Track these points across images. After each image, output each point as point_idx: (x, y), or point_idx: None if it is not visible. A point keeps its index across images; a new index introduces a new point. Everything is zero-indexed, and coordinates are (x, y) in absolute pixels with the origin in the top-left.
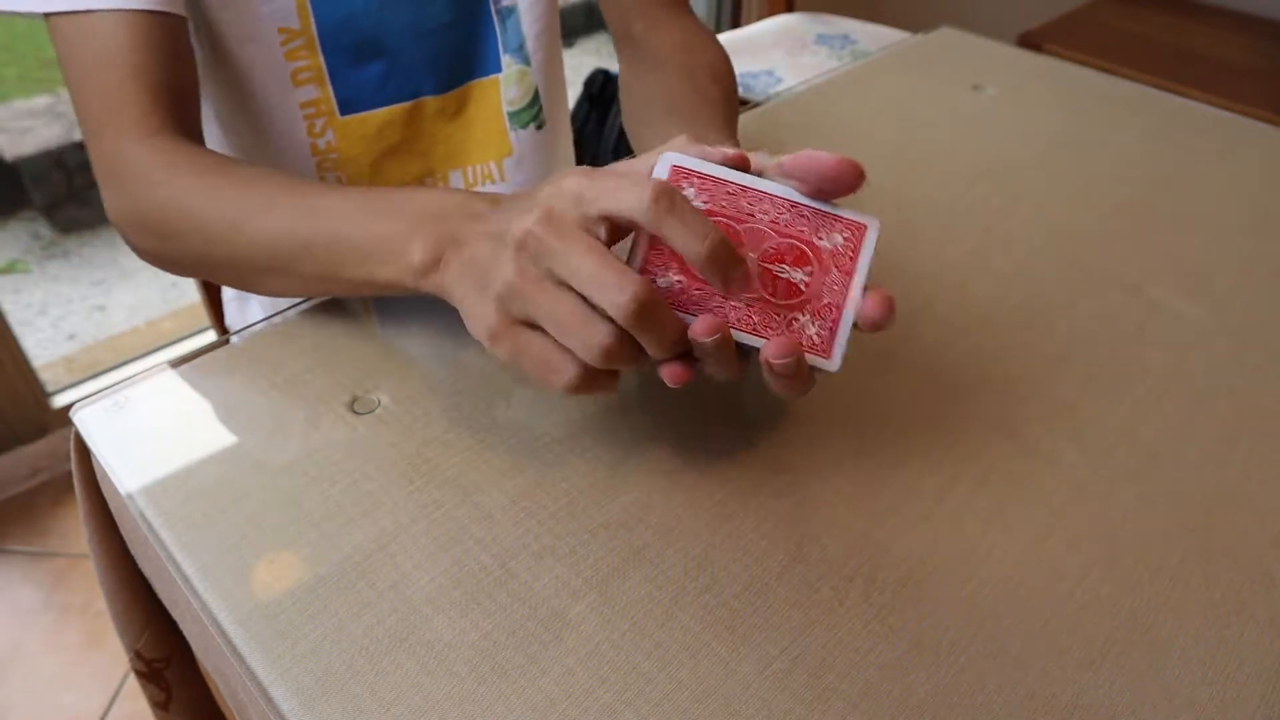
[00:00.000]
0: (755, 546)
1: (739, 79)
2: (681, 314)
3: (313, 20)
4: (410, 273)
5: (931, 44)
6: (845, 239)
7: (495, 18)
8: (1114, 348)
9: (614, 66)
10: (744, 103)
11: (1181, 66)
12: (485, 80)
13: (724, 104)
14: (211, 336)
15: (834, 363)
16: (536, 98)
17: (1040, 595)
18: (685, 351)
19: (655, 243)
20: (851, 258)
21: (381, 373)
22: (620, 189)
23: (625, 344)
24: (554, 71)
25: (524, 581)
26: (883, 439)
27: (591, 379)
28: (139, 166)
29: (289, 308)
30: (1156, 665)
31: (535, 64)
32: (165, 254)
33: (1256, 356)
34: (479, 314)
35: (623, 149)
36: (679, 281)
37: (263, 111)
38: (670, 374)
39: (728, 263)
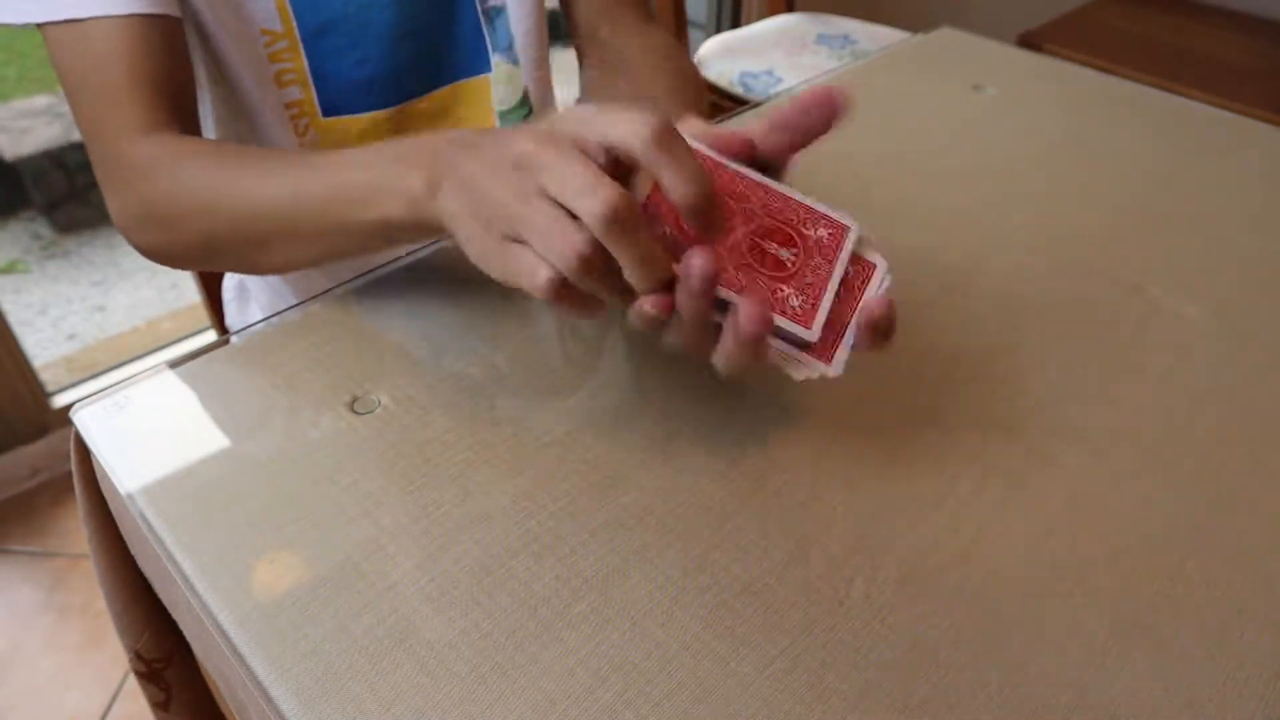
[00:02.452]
0: (755, 546)
1: (739, 79)
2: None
3: (294, 23)
4: (410, 201)
5: (931, 44)
6: (829, 234)
7: (482, 18)
8: (1114, 348)
9: None
10: (744, 103)
11: (1181, 66)
12: (474, 80)
13: (695, 95)
14: (211, 336)
15: (813, 333)
16: (526, 98)
17: (1040, 595)
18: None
19: (655, 194)
20: (834, 249)
21: (381, 373)
22: (623, 118)
23: (599, 254)
24: (543, 71)
25: (524, 581)
26: (883, 439)
27: (571, 291)
28: (140, 161)
29: (289, 308)
30: (1156, 665)
31: (524, 63)
32: (173, 246)
33: (1256, 356)
34: (471, 234)
35: None
36: (671, 232)
37: (251, 111)
38: (650, 303)
39: (712, 208)
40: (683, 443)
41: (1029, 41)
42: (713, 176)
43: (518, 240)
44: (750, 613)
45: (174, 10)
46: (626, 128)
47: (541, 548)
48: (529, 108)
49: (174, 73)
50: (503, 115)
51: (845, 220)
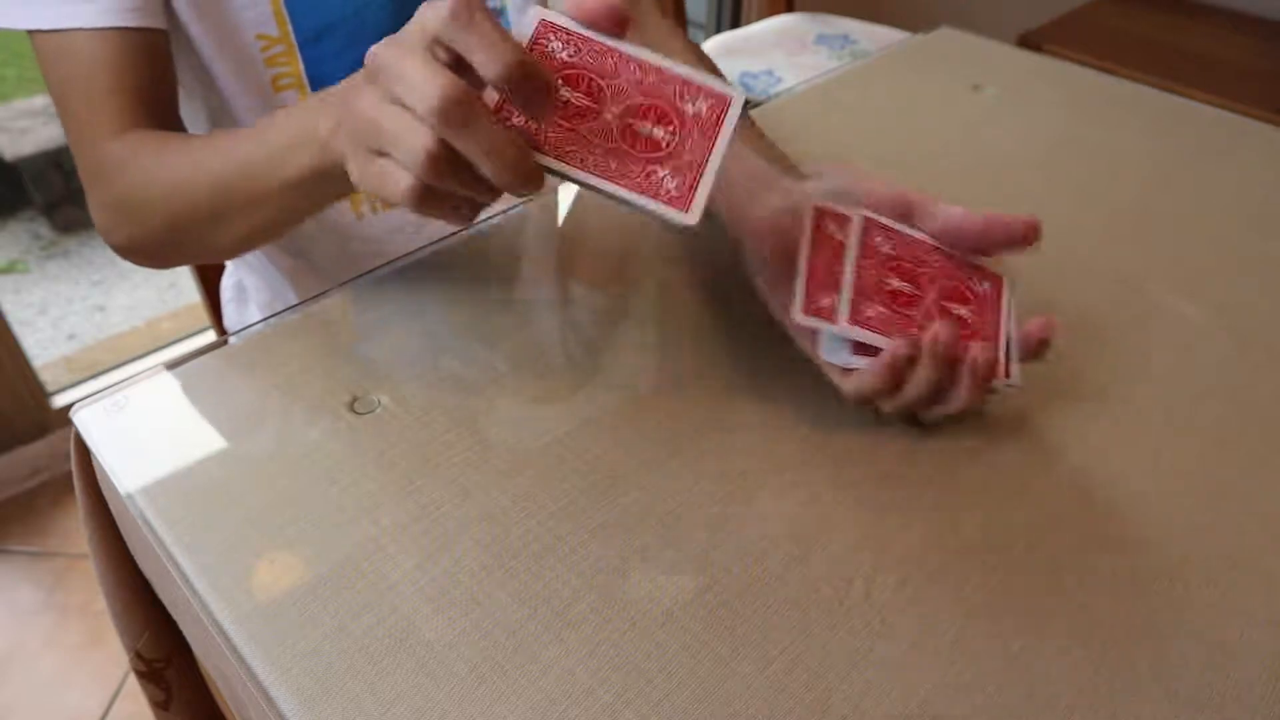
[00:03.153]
0: (755, 546)
1: (739, 78)
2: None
3: (290, 27)
4: (319, 144)
5: (931, 44)
6: (709, 106)
7: None
8: (1114, 347)
9: None
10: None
11: (1181, 66)
12: None
13: None
14: (211, 337)
15: (691, 215)
16: None
17: (1040, 595)
18: None
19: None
20: (715, 124)
21: (381, 373)
22: (432, 4)
23: (446, 150)
24: None
25: (524, 581)
26: (882, 439)
27: (436, 196)
28: (114, 159)
29: (288, 309)
30: (1157, 665)
31: None
32: (144, 238)
33: (1256, 356)
34: (351, 157)
35: None
36: (525, 122)
37: (245, 119)
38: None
39: (530, 81)
40: (683, 443)
41: (1029, 41)
42: (581, 59)
43: (379, 152)
44: (750, 613)
45: (158, 23)
46: (431, 11)
47: (541, 548)
48: None
49: (156, 82)
50: None
51: (728, 91)
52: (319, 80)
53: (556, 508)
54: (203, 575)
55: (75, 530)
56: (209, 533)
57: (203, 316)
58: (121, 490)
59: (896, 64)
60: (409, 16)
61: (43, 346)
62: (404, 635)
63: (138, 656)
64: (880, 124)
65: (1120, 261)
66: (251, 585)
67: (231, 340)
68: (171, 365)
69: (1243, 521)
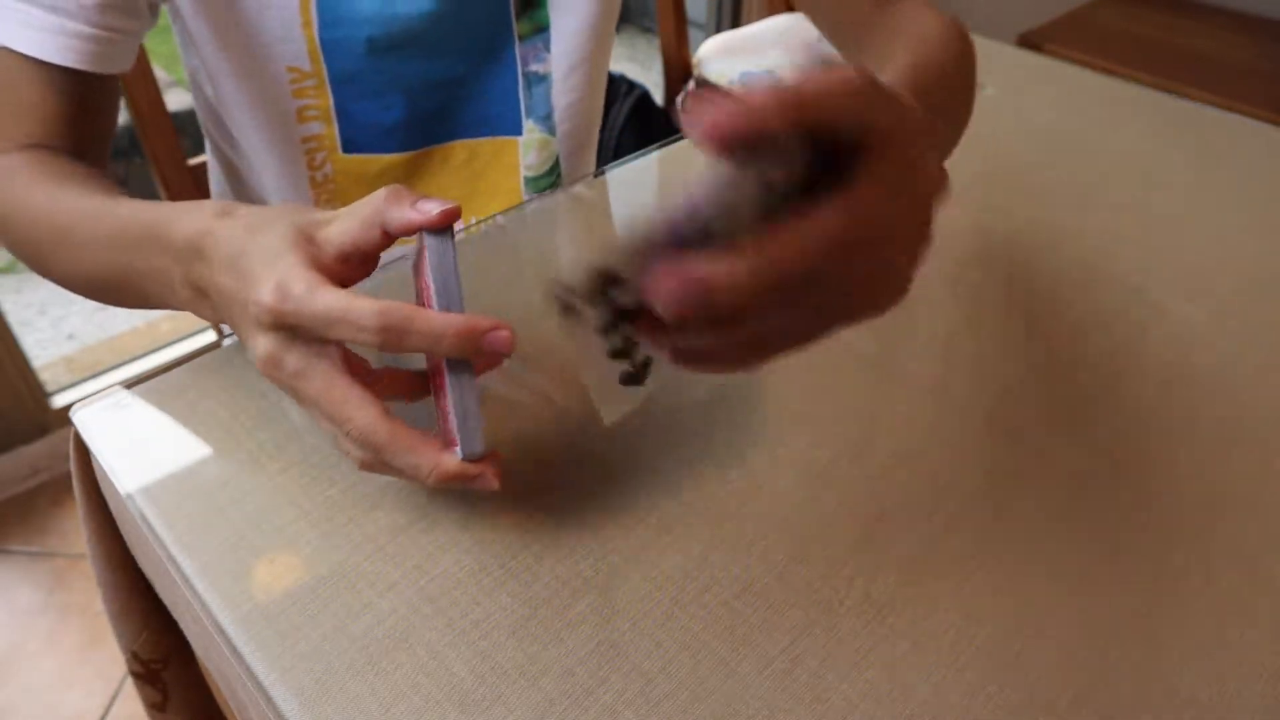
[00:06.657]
0: (755, 546)
1: (739, 78)
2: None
3: (324, 66)
4: (185, 306)
5: None
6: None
7: (521, 81)
8: (1114, 348)
9: (615, 68)
10: None
11: (1181, 66)
12: (500, 140)
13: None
14: (211, 336)
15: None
16: (556, 166)
17: (1040, 595)
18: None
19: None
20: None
21: None
22: (346, 325)
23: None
24: (582, 141)
25: (524, 581)
26: (883, 439)
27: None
28: None
29: None
30: (1156, 665)
31: (561, 134)
32: None
33: (1257, 357)
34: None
35: (623, 150)
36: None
37: (264, 145)
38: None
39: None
40: (683, 442)
41: (1029, 41)
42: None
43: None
44: (750, 613)
45: (108, 67)
46: (352, 335)
47: (541, 548)
48: (558, 175)
49: (80, 122)
50: (529, 181)
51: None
52: (346, 115)
53: (557, 508)
54: (203, 575)
55: (75, 530)
56: (209, 533)
57: None
58: (121, 490)
59: None
60: (445, 67)
61: (43, 346)
62: (404, 635)
63: (134, 658)
64: None
65: (1120, 261)
66: (251, 585)
67: (231, 340)
68: (171, 365)
69: (1243, 521)
